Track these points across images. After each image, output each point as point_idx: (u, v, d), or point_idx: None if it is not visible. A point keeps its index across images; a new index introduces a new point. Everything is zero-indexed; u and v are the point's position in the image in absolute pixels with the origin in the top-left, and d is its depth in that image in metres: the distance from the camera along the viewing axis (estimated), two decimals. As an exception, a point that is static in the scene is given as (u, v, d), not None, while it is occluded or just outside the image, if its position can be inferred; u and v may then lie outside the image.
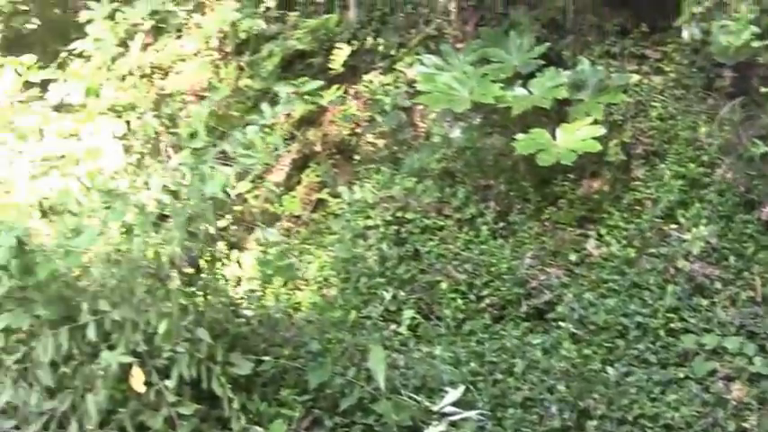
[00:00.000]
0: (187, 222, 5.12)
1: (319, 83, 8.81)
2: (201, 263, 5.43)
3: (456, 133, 8.22)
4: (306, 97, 8.80)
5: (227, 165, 5.68)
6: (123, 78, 9.38)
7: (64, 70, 9.99)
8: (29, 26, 12.01)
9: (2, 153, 9.40)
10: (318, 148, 9.07)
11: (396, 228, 7.41)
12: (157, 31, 9.78)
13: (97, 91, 9.38)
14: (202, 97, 9.56)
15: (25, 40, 12.40)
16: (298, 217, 8.69)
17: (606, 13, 8.63)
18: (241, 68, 9.67)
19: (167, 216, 5.28)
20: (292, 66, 9.75)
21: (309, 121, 9.23)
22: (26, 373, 4.93)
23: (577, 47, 8.46)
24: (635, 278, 6.79)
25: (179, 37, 9.91)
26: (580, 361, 6.11)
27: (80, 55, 9.83)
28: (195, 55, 9.52)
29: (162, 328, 4.84)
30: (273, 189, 8.32)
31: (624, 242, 7.09)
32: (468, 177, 7.85)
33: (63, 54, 10.03)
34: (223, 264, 5.64)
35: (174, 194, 5.18)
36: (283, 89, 8.39)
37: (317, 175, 8.90)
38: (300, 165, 9.11)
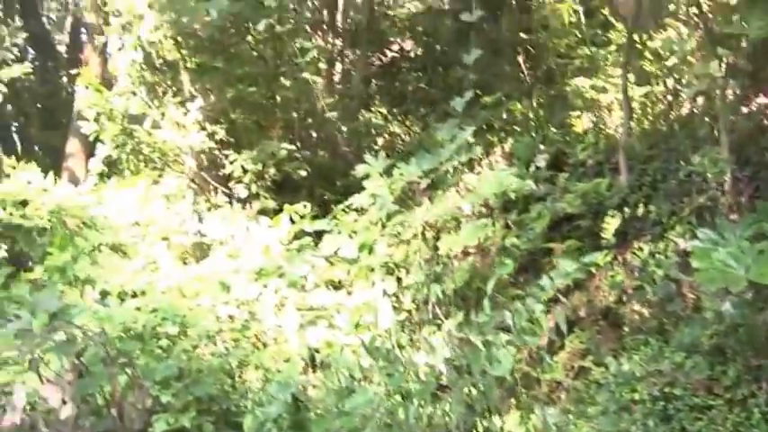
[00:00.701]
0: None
1: (596, 255, 9.44)
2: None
3: (727, 307, 8.63)
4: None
5: (504, 332, 6.43)
6: (397, 235, 10.43)
7: (337, 221, 11.24)
8: (301, 172, 13.60)
9: (272, 300, 10.66)
10: (583, 313, 9.70)
11: (663, 404, 7.83)
12: (432, 188, 10.84)
13: (371, 246, 10.48)
14: (467, 254, 10.53)
15: (293, 183, 14.02)
16: (559, 383, 9.24)
17: None
18: (508, 227, 10.57)
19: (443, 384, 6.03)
20: (560, 227, 10.56)
21: (575, 284, 9.83)
22: None
23: None
24: None
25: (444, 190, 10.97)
26: None
27: (356, 209, 11.03)
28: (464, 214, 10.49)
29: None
30: (540, 354, 8.99)
31: None
32: (739, 355, 8.14)
33: (339, 207, 11.30)
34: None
35: (456, 367, 5.94)
36: (565, 263, 9.10)
37: (581, 342, 9.47)
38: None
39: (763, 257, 8.03)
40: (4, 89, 20.93)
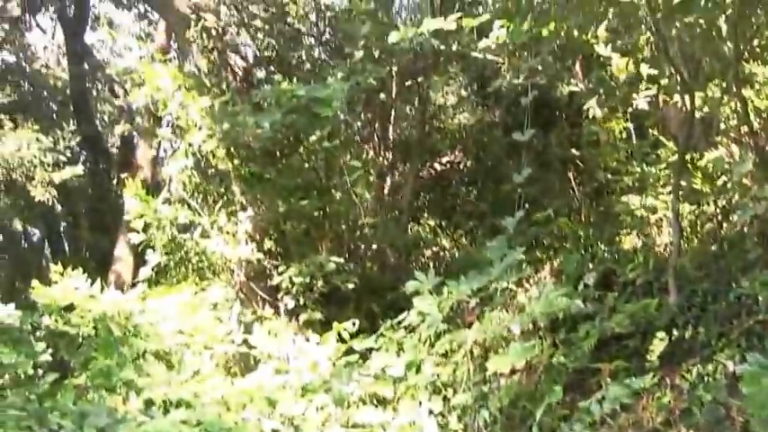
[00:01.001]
0: None
1: (644, 379, 9.59)
2: None
3: (773, 426, 8.82)
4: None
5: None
6: (446, 354, 10.67)
7: (386, 338, 11.51)
8: (349, 285, 13.92)
9: (318, 416, 10.87)
10: (629, 435, 9.86)
11: None
12: (481, 305, 11.09)
13: (419, 365, 10.72)
14: (514, 371, 10.73)
15: (341, 295, 14.33)
16: (606, 504, 9.41)
17: None
18: (555, 345, 10.78)
19: None
20: (608, 346, 10.74)
21: (622, 406, 10.03)
22: None
23: None
24: None
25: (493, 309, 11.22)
26: None
27: (405, 326, 11.31)
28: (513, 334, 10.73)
29: None
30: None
31: None
32: (786, 475, 8.31)
33: (387, 323, 11.59)
34: None
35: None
36: (614, 389, 9.26)
37: (629, 464, 9.64)
38: (610, 452, 9.88)
39: (810, 374, 8.22)
40: (55, 192, 21.77)
